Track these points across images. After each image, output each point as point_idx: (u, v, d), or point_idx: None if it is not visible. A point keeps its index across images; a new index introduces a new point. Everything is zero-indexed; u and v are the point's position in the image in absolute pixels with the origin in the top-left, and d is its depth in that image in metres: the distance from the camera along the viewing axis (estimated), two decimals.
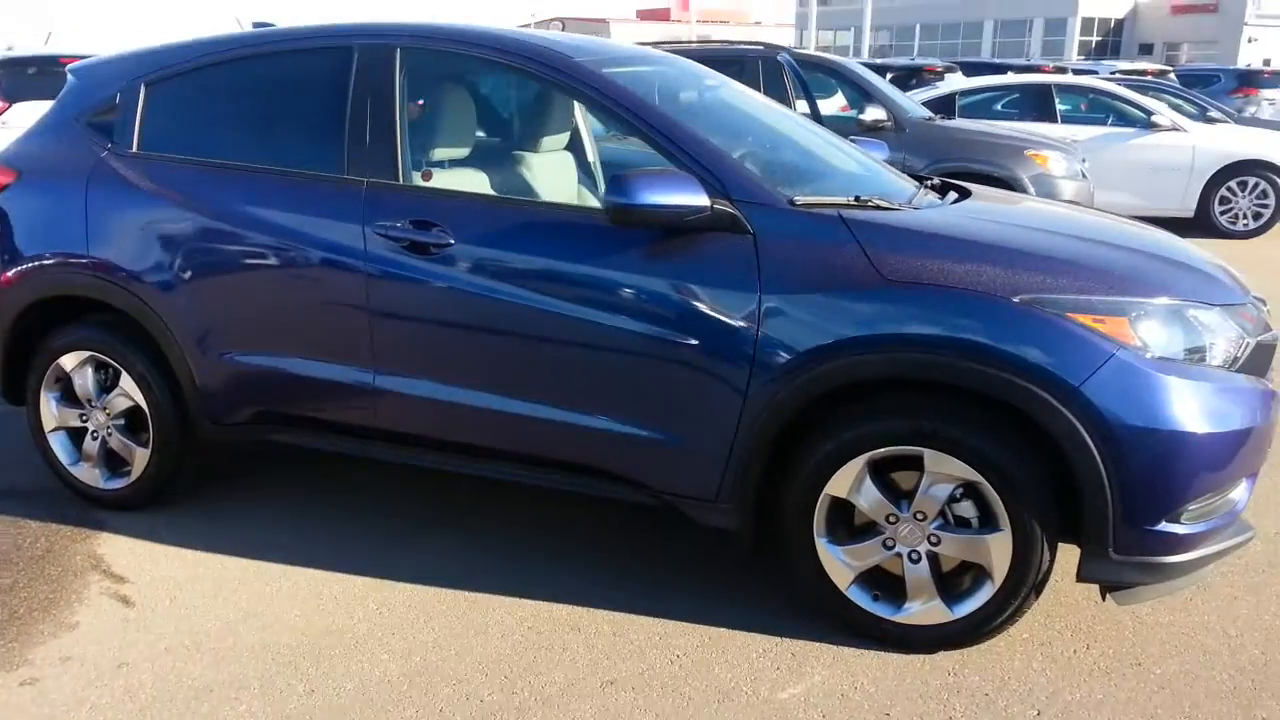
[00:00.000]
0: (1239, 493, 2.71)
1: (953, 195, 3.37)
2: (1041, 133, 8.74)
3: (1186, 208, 10.02)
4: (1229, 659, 2.73)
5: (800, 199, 2.82)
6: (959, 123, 8.16)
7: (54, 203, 3.52)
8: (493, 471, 3.14)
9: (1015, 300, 2.51)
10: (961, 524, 2.68)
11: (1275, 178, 9.85)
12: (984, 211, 3.16)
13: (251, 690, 2.59)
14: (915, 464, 2.64)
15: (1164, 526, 2.52)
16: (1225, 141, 10.07)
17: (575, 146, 4.08)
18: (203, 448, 3.54)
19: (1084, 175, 8.00)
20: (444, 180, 3.31)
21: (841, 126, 7.81)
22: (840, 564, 2.77)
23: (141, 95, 3.48)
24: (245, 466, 3.96)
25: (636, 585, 3.10)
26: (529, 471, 3.10)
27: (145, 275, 3.34)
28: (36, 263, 3.52)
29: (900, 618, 2.75)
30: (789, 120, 3.97)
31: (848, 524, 2.79)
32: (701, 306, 2.74)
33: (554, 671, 2.67)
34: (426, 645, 2.79)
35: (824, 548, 2.78)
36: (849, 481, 2.69)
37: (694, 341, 2.75)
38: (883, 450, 2.65)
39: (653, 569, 3.19)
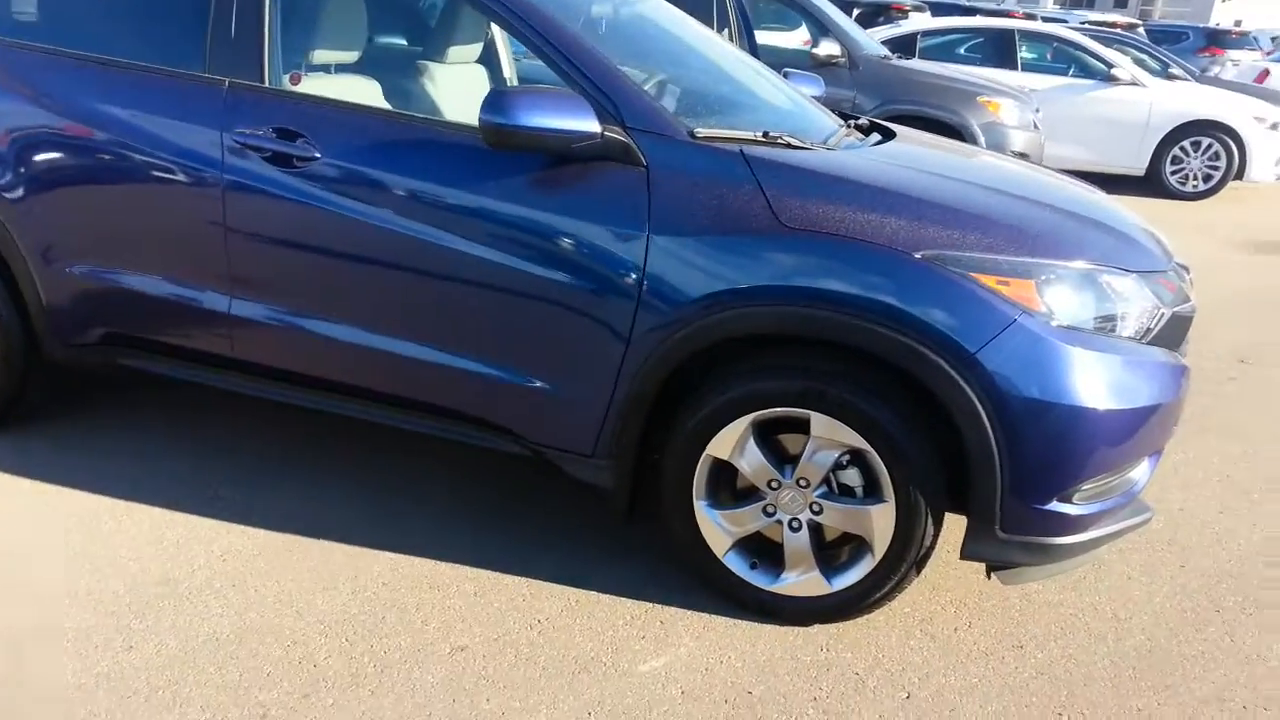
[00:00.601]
0: (1139, 472, 2.57)
1: (876, 137, 3.14)
2: (999, 80, 8.48)
3: (1138, 165, 9.89)
4: (1113, 644, 2.61)
5: (702, 131, 2.57)
6: (914, 64, 7.88)
7: None
8: (358, 412, 2.91)
9: (916, 256, 2.30)
10: (845, 493, 2.50)
11: (1229, 140, 9.73)
12: (903, 156, 2.93)
13: (66, 642, 2.37)
14: (803, 427, 2.45)
15: (1055, 506, 2.36)
16: (1183, 100, 9.91)
17: (490, 61, 3.78)
18: (51, 369, 3.25)
19: (1036, 125, 7.80)
20: (327, 87, 3.00)
21: (797, 60, 7.54)
22: (718, 529, 2.59)
23: None
24: (99, 393, 3.67)
25: (508, 543, 2.90)
26: (397, 414, 2.86)
27: None
28: None
29: (777, 588, 2.59)
30: (712, 46, 3.68)
31: (730, 487, 2.61)
32: (585, 243, 2.50)
33: (401, 635, 2.48)
34: (266, 600, 2.57)
35: (702, 511, 2.59)
36: (731, 443, 2.50)
37: (575, 281, 2.52)
38: (769, 411, 2.45)
39: (529, 526, 2.99)
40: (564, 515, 3.04)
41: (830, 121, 3.26)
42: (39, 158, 3.00)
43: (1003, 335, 2.26)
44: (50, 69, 3.00)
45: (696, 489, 2.57)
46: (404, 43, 3.84)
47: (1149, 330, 2.46)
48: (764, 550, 2.61)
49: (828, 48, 7.47)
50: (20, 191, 3.01)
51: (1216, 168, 9.84)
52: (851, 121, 3.39)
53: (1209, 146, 9.81)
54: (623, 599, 2.67)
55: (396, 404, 2.85)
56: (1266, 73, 16.47)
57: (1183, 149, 9.84)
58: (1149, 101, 9.73)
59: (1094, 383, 2.29)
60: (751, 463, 2.52)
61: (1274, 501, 3.46)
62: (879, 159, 2.77)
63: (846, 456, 2.45)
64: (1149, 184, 9.93)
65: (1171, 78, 11.79)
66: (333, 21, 3.19)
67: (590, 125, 2.41)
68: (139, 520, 2.89)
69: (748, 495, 2.58)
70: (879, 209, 2.38)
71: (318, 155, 2.68)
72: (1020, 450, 2.30)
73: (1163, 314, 2.49)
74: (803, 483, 2.49)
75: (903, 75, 7.63)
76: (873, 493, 2.45)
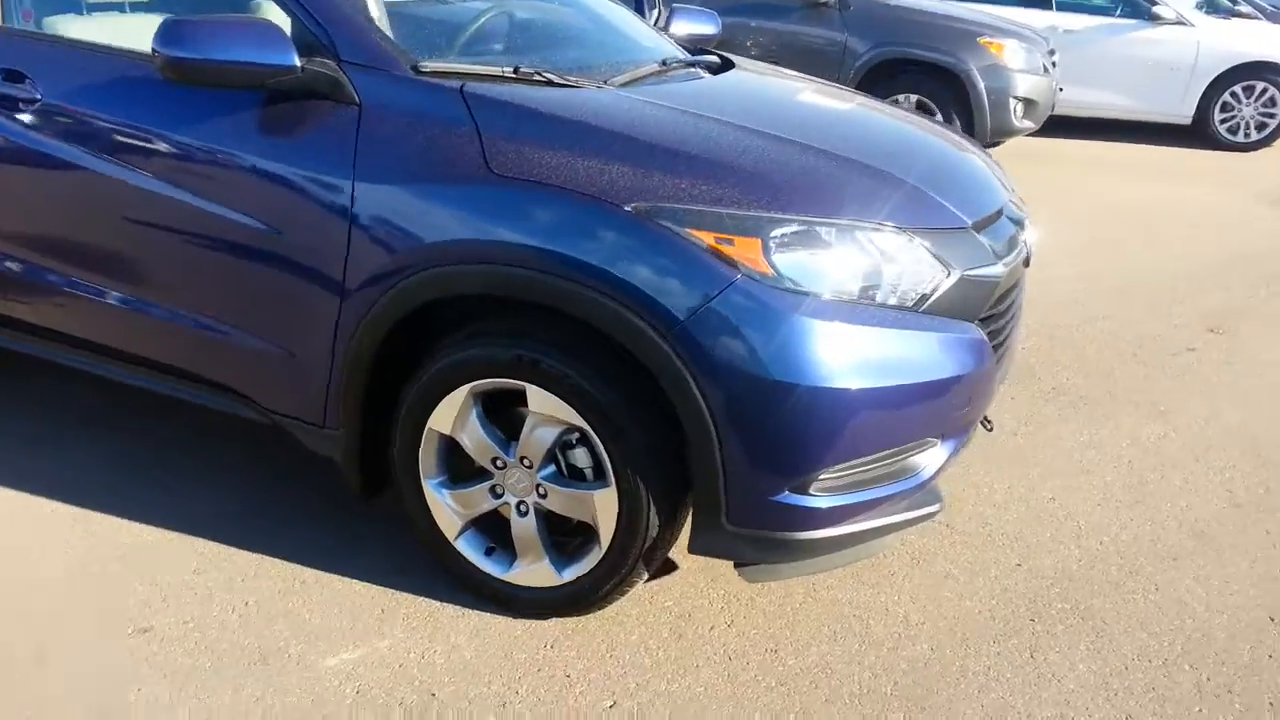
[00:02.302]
0: (926, 458, 2.22)
1: (695, 72, 2.81)
2: (1018, 19, 7.85)
3: (1183, 113, 9.13)
4: (887, 653, 2.29)
5: (430, 65, 2.28)
6: (911, 2, 7.32)
7: None
8: (111, 373, 2.73)
9: (627, 208, 1.99)
10: (576, 475, 2.22)
11: None
12: (695, 95, 2.59)
13: None
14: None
15: (787, 498, 2.04)
16: (1235, 40, 9.06)
17: None
18: None
19: (1046, 69, 7.18)
20: (103, 29, 2.78)
21: (782, 2, 7.09)
22: (448, 510, 2.35)
23: None
24: None
25: (262, 518, 2.70)
26: (149, 376, 2.67)
27: None
28: None
29: (509, 576, 2.34)
30: None
31: (465, 465, 2.35)
32: (295, 190, 2.25)
33: (88, 614, 2.31)
34: None
35: (430, 491, 2.35)
36: (452, 415, 2.24)
37: (287, 233, 2.28)
38: (486, 382, 2.18)
39: (290, 501, 2.78)
40: (333, 490, 2.82)
41: (657, 56, 2.91)
42: None
43: (716, 301, 1.94)
44: None
45: (424, 466, 2.33)
46: None
47: (924, 297, 2.10)
48: (505, 536, 2.36)
49: None
50: None
51: (1272, 115, 9.01)
52: (698, 57, 3.05)
53: (1264, 91, 8.97)
54: (356, 582, 2.46)
55: (146, 365, 2.66)
56: None
57: (1234, 94, 9.02)
58: (1195, 41, 8.92)
59: (828, 357, 1.96)
60: (473, 438, 2.26)
61: (1165, 495, 3.05)
62: (650, 99, 2.41)
63: (577, 436, 2.18)
64: (1196, 134, 9.16)
65: (1235, 15, 10.81)
66: None
67: (285, 57, 2.14)
68: None
69: (477, 475, 2.32)
70: (601, 155, 2.06)
71: (39, 97, 2.48)
72: (740, 433, 1.99)
73: (945, 278, 2.12)
74: (526, 463, 2.23)
75: (897, 15, 7.09)
76: (601, 476, 2.17)
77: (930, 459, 2.23)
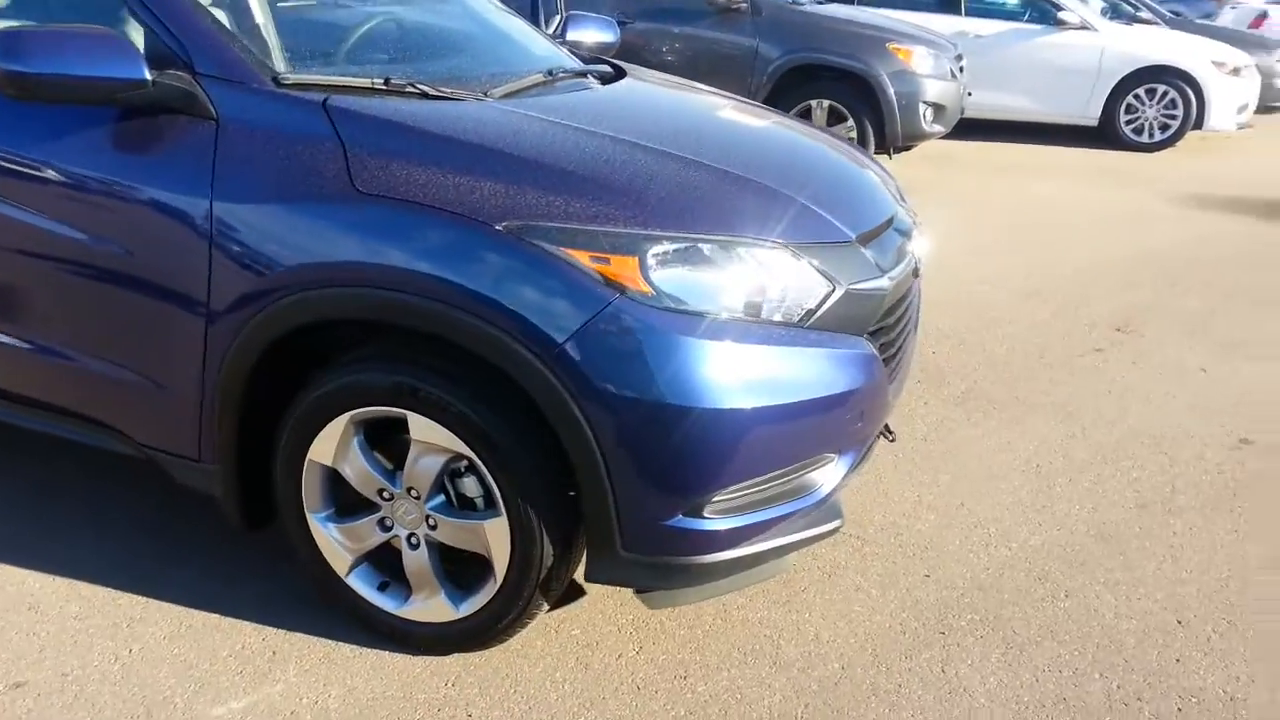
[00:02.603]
0: (822, 475, 2.18)
1: (583, 82, 2.75)
2: (920, 24, 7.96)
3: (1090, 115, 9.37)
4: (797, 674, 2.25)
5: (292, 78, 2.18)
6: (822, 9, 7.38)
7: None
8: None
9: (499, 227, 1.92)
10: (468, 505, 2.14)
11: (1186, 87, 9.17)
12: (577, 107, 2.53)
13: None
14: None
15: (681, 522, 1.98)
16: (1137, 44, 9.35)
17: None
18: None
19: (954, 74, 7.30)
20: None
21: (693, 6, 7.08)
22: (336, 545, 2.24)
23: None
24: None
25: (145, 558, 2.56)
26: (14, 411, 2.51)
27: None
28: None
29: (404, 611, 2.24)
30: None
31: (353, 497, 2.25)
32: (152, 210, 2.13)
33: None
34: None
35: (316, 525, 2.24)
36: (333, 446, 2.14)
37: (146, 257, 2.15)
38: (366, 411, 2.09)
39: (174, 538, 2.64)
40: (220, 526, 2.69)
41: (545, 66, 2.84)
42: None
43: (593, 322, 1.88)
44: None
45: (307, 499, 2.22)
46: None
47: (810, 313, 2.06)
48: (400, 569, 2.26)
49: None
50: None
51: (1174, 117, 9.30)
52: (590, 67, 2.99)
53: (1164, 94, 9.26)
54: (246, 623, 2.34)
55: (18, 401, 2.50)
56: (1264, 16, 15.66)
57: (1137, 97, 9.29)
58: (1100, 47, 9.17)
59: (714, 376, 1.91)
60: (356, 469, 2.16)
61: (1073, 498, 3.07)
62: (529, 111, 2.33)
63: (464, 464, 2.09)
64: (1103, 136, 9.40)
65: (1138, 21, 11.14)
66: None
67: (134, 70, 2.02)
68: None
69: (365, 507, 2.22)
70: (473, 171, 1.98)
71: None
72: (627, 457, 1.92)
73: (831, 292, 2.09)
74: (414, 493, 2.13)
75: (807, 21, 7.14)
76: (491, 505, 2.09)
77: (827, 475, 2.19)
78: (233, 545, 2.59)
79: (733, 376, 1.93)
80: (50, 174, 2.21)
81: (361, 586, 2.26)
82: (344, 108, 2.09)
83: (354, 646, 2.27)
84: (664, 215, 1.98)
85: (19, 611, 2.34)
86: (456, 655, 2.25)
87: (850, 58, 6.91)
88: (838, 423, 2.13)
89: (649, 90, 2.93)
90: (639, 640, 2.34)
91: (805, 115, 7.06)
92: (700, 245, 1.98)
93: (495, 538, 2.08)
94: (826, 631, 2.39)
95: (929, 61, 7.07)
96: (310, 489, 2.21)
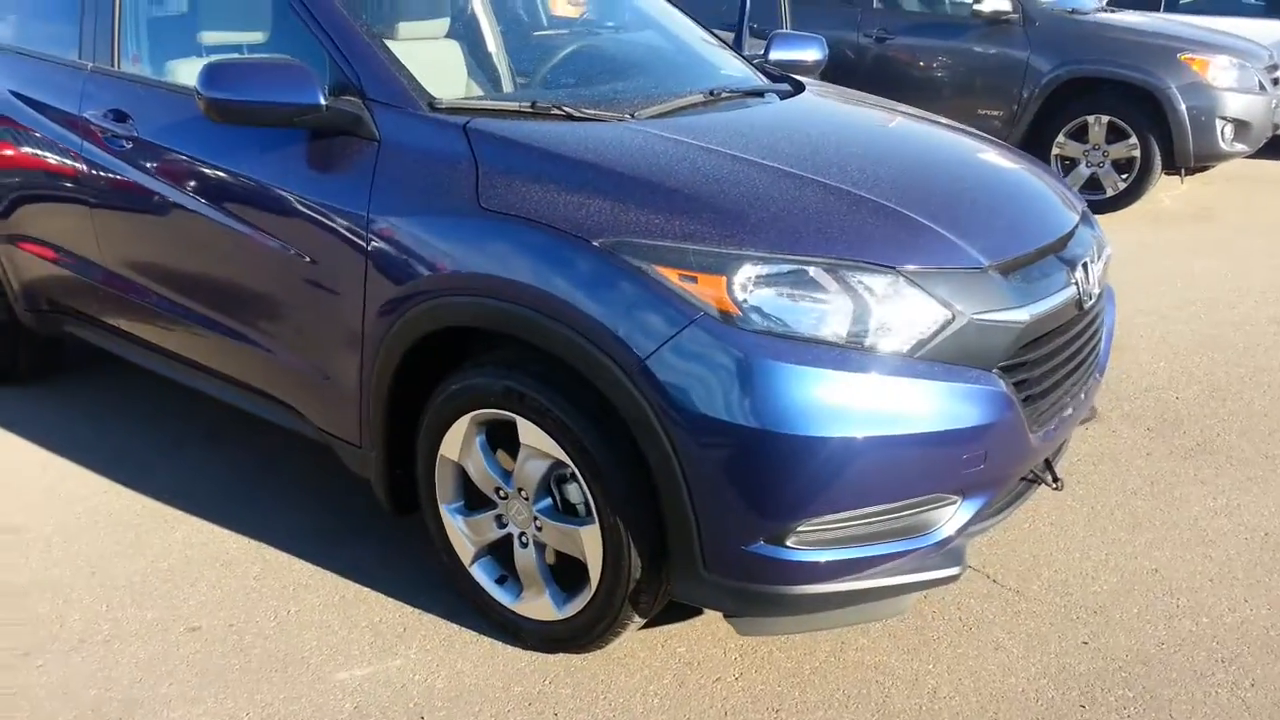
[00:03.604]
0: (941, 516, 2.05)
1: (745, 101, 2.76)
2: (1233, 33, 7.09)
3: None
4: None
5: (447, 102, 2.36)
6: (1108, 16, 6.75)
7: None
8: (205, 387, 2.98)
9: (595, 243, 1.97)
10: (572, 511, 2.21)
11: None
12: (714, 126, 2.51)
13: None
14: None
15: (763, 549, 1.94)
16: None
17: (469, 36, 3.72)
18: (38, 335, 3.59)
19: (1263, 86, 6.44)
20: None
21: (957, 20, 6.79)
22: (462, 536, 2.40)
23: None
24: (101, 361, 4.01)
25: (328, 530, 2.85)
26: (236, 394, 2.89)
27: None
28: None
29: (516, 606, 2.35)
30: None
31: (477, 492, 2.39)
32: (324, 222, 2.38)
33: (157, 607, 2.51)
34: (79, 558, 2.70)
35: (447, 516, 2.41)
36: (458, 443, 2.29)
37: (315, 261, 2.42)
38: (484, 412, 2.22)
39: (354, 515, 2.90)
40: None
41: (719, 84, 2.87)
42: None
43: (677, 339, 1.88)
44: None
45: (440, 491, 2.39)
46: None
47: (921, 342, 1.94)
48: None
49: (993, 3, 6.60)
50: None
51: None
52: (773, 85, 2.99)
53: None
54: (390, 600, 2.54)
55: (229, 381, 2.89)
56: None
57: None
58: None
59: (796, 403, 1.85)
60: (476, 467, 2.30)
61: None
62: (667, 131, 2.35)
63: (570, 470, 2.16)
64: None
65: None
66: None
67: (310, 96, 2.27)
68: (38, 466, 3.15)
69: (489, 502, 2.35)
70: (584, 190, 2.06)
71: (136, 134, 2.76)
72: (706, 478, 1.91)
73: (949, 323, 1.95)
74: (524, 494, 2.24)
75: (1087, 30, 6.57)
76: (590, 513, 2.14)
77: (946, 518, 2.05)
78: (398, 530, 2.82)
79: (821, 404, 1.86)
80: (251, 187, 2.53)
81: (482, 577, 2.39)
82: (481, 130, 2.24)
83: (473, 634, 2.41)
84: (763, 235, 1.95)
85: (213, 566, 2.69)
86: (562, 655, 2.32)
87: (1133, 69, 6.29)
88: (950, 462, 1.98)
89: (816, 108, 2.87)
90: (742, 666, 2.30)
91: (1082, 131, 6.53)
92: (800, 267, 1.93)
93: (590, 545, 2.13)
94: (947, 688, 2.23)
95: (1231, 73, 6.29)
96: (442, 481, 2.38)
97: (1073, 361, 2.31)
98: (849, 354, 1.89)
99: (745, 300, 1.89)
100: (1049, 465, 2.43)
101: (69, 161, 2.99)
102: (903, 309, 1.93)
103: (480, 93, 2.96)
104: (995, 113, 6.80)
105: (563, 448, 2.09)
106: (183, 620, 2.48)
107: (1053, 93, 6.57)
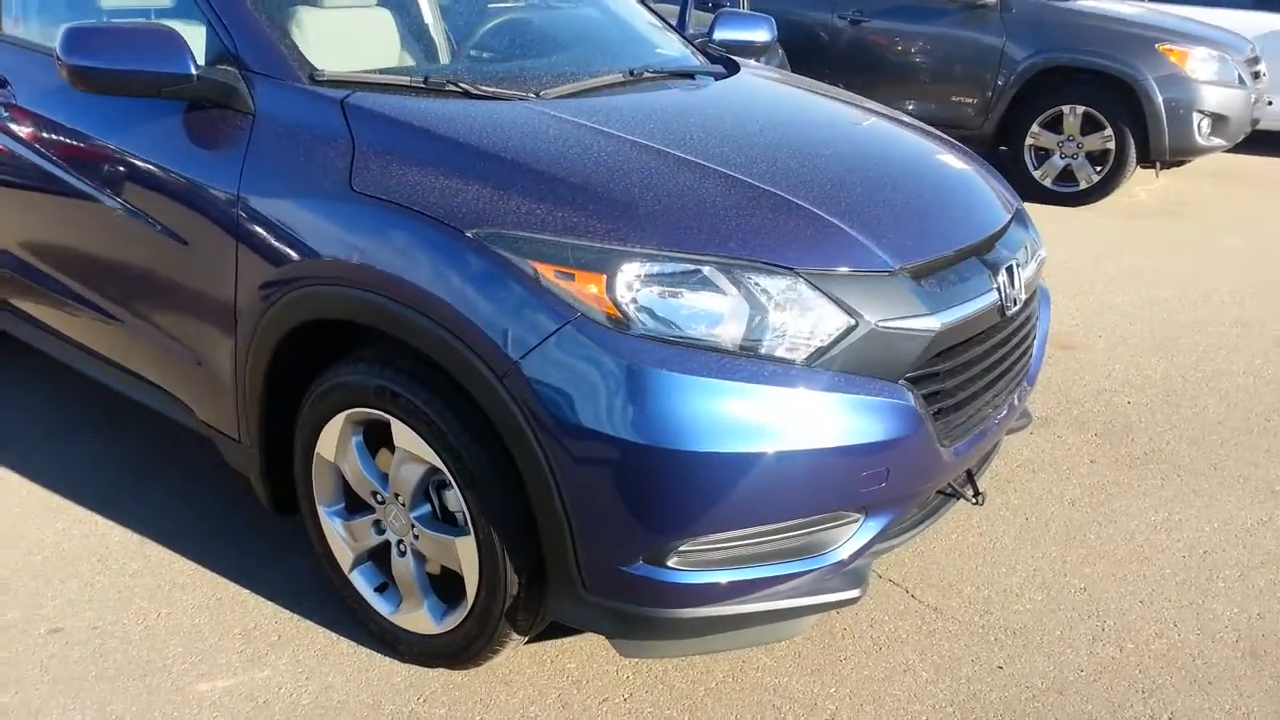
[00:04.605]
0: (840, 535, 1.90)
1: (665, 83, 2.59)
2: (1217, 24, 6.93)
3: None
4: None
5: (330, 73, 2.19)
6: (1084, 5, 6.56)
7: None
8: (96, 373, 2.80)
9: (469, 233, 1.81)
10: (450, 520, 2.06)
11: None
12: (623, 109, 2.33)
13: None
14: None
15: (642, 569, 1.79)
16: None
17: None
18: None
19: (1242, 80, 6.28)
20: None
21: (936, 4, 6.62)
22: (341, 541, 2.24)
23: None
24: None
25: (219, 527, 2.69)
26: (124, 381, 2.72)
27: None
28: None
29: (394, 617, 2.20)
30: None
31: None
32: (196, 200, 2.22)
33: (19, 606, 2.36)
34: None
35: (326, 519, 2.25)
36: (333, 442, 2.13)
37: (192, 244, 2.25)
38: (358, 411, 2.06)
39: (250, 512, 2.74)
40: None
41: (637, 64, 2.69)
42: None
43: (549, 342, 1.72)
44: None
45: (318, 492, 2.23)
46: None
47: (820, 350, 1.78)
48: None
49: None
50: None
51: None
52: (703, 67, 2.83)
53: None
54: (269, 604, 2.39)
55: (119, 369, 2.71)
56: None
57: None
58: None
59: (675, 414, 1.70)
60: (352, 469, 2.14)
61: (1234, 599, 2.51)
62: (567, 114, 2.18)
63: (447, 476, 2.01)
64: None
65: None
66: None
67: (179, 66, 2.09)
68: None
69: (365, 507, 2.20)
70: (463, 175, 1.89)
71: (14, 101, 2.58)
72: (581, 492, 1.76)
73: (852, 330, 1.80)
74: (401, 500, 2.08)
75: (1064, 18, 6.39)
76: (467, 522, 1.99)
77: (847, 537, 1.90)
78: (292, 529, 2.65)
79: (703, 416, 1.71)
80: (124, 160, 2.35)
81: (362, 585, 2.25)
82: (360, 105, 2.07)
83: (351, 644, 2.26)
84: (651, 230, 1.79)
85: (88, 561, 2.53)
86: (442, 671, 2.18)
87: (1109, 58, 6.12)
88: (849, 480, 1.83)
89: (743, 93, 2.69)
90: (633, 685, 2.15)
91: (1056, 121, 6.37)
92: (690, 266, 1.77)
93: (466, 557, 1.98)
94: (847, 712, 2.09)
95: (1210, 65, 6.13)
96: (320, 482, 2.22)
97: (994, 370, 2.16)
98: (738, 362, 1.74)
99: (629, 301, 1.73)
100: (970, 478, 2.29)
101: None
102: (800, 314, 1.78)
103: (410, 64, 2.77)
104: (969, 100, 6.64)
105: (436, 452, 1.93)
106: (46, 620, 2.32)
107: (1028, 81, 6.41)
